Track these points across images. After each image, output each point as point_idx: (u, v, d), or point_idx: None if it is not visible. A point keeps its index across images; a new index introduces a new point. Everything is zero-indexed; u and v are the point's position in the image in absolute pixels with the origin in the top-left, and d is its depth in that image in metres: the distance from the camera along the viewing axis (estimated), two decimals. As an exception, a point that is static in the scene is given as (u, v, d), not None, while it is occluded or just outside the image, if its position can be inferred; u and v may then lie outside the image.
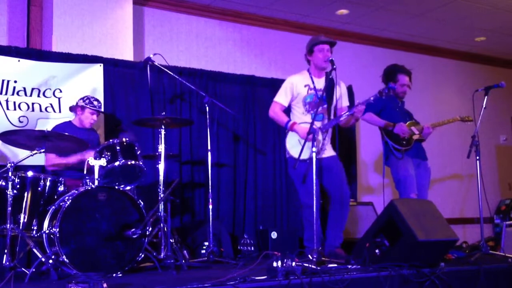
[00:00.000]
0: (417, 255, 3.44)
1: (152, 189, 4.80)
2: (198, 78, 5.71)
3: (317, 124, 4.24)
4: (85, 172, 3.94)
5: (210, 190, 4.71)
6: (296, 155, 4.09)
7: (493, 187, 8.18)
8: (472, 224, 7.70)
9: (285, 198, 6.00)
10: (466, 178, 7.87)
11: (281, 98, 4.45)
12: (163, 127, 4.33)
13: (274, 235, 5.32)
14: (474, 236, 7.02)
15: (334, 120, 4.25)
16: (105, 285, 2.70)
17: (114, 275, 3.57)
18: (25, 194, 3.79)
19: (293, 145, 4.27)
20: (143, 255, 3.79)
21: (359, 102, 4.10)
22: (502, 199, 8.26)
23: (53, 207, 3.70)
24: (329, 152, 4.38)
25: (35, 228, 3.77)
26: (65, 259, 3.44)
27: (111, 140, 4.09)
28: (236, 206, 5.73)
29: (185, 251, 4.47)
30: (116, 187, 3.86)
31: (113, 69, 5.26)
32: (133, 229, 3.68)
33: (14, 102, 4.75)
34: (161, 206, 4.17)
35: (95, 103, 4.54)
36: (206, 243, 4.68)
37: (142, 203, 3.87)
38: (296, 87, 4.41)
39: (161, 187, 4.27)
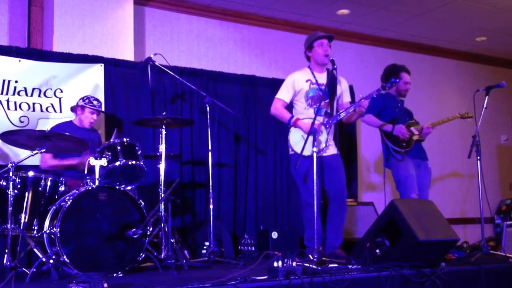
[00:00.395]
0: (418, 255, 3.44)
1: (153, 189, 4.80)
2: (198, 78, 5.71)
3: (320, 119, 4.23)
4: (85, 172, 3.94)
5: (211, 190, 4.72)
6: (300, 151, 4.09)
7: (494, 187, 8.17)
8: (473, 224, 7.70)
9: (286, 198, 6.00)
10: (467, 178, 7.87)
11: (283, 94, 4.45)
12: (164, 127, 4.33)
13: (274, 235, 5.32)
14: (475, 236, 7.02)
15: (337, 115, 4.24)
16: (105, 285, 2.71)
17: (114, 275, 3.57)
18: (26, 194, 3.79)
19: (297, 142, 4.25)
20: (143, 255, 3.79)
21: (362, 96, 4.09)
22: (502, 199, 8.26)
23: (54, 207, 3.70)
24: (332, 150, 4.37)
25: (35, 228, 3.77)
26: (66, 259, 3.44)
27: (111, 140, 4.09)
28: (236, 206, 5.73)
29: (185, 251, 4.47)
30: (117, 187, 3.86)
31: (114, 69, 5.27)
32: (134, 229, 3.68)
33: (15, 102, 4.75)
34: (162, 206, 4.17)
35: (95, 102, 4.54)
36: (207, 243, 4.68)
37: (142, 203, 3.87)
38: (298, 83, 4.40)
39: (162, 187, 4.27)
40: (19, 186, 3.73)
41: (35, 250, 3.60)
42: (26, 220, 3.76)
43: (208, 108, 4.82)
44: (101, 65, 5.13)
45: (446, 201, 7.45)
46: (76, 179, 4.23)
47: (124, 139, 4.10)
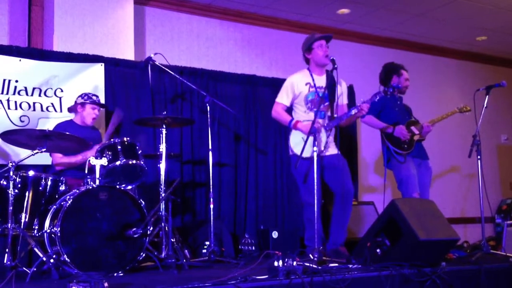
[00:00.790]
0: (418, 254, 3.44)
1: (153, 188, 4.80)
2: (199, 77, 5.71)
3: (320, 121, 4.24)
4: (86, 171, 3.94)
5: (211, 190, 4.71)
6: (299, 153, 4.09)
7: (494, 186, 8.17)
8: (473, 223, 7.69)
9: (286, 197, 6.00)
10: (467, 177, 7.86)
11: (283, 98, 4.47)
12: (164, 126, 4.33)
13: (275, 234, 5.32)
14: (475, 236, 7.02)
15: (337, 119, 4.26)
16: (106, 284, 2.70)
17: (115, 274, 3.57)
18: (26, 194, 3.79)
19: (297, 143, 4.27)
20: (144, 255, 3.79)
21: (363, 100, 4.11)
22: (503, 198, 8.26)
23: (54, 206, 3.70)
24: (332, 150, 4.38)
25: (36, 227, 3.77)
26: (66, 259, 3.44)
27: (112, 140, 4.09)
28: (237, 206, 5.73)
29: (186, 251, 4.48)
30: (117, 187, 3.86)
31: (114, 68, 5.27)
32: (134, 229, 3.68)
33: (15, 102, 4.76)
34: (162, 206, 4.17)
35: (94, 98, 4.53)
36: (207, 243, 4.69)
37: (143, 202, 3.87)
38: (297, 86, 4.42)
39: (162, 186, 4.27)
40: (19, 185, 3.73)
41: (36, 249, 3.60)
42: (26, 219, 3.76)
43: (208, 107, 4.82)
44: (101, 65, 5.13)
45: (447, 201, 7.44)
46: (77, 178, 4.22)
47: (125, 139, 4.10)
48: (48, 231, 3.63)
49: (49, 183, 3.87)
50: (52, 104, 4.90)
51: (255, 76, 6.14)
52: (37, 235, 3.75)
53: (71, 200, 3.56)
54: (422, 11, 6.84)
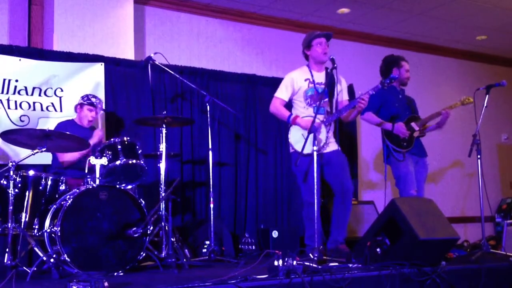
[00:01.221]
0: (418, 253, 3.44)
1: (153, 188, 4.80)
2: (199, 77, 5.71)
3: (320, 117, 4.25)
4: (86, 171, 3.94)
5: (211, 189, 4.72)
6: (300, 150, 4.10)
7: (494, 185, 8.16)
8: (473, 223, 7.69)
9: (286, 197, 6.00)
10: (467, 176, 7.86)
11: (282, 93, 4.48)
12: (164, 126, 4.33)
13: (275, 234, 5.32)
14: (475, 235, 7.02)
15: (337, 113, 4.28)
16: (106, 284, 2.70)
17: (115, 274, 3.58)
18: (27, 193, 3.79)
19: (297, 140, 4.28)
20: (144, 254, 3.80)
21: (361, 93, 4.13)
22: (503, 198, 8.25)
23: (55, 206, 3.70)
24: (332, 146, 4.39)
25: (36, 227, 3.77)
26: (67, 258, 3.45)
27: (112, 139, 4.09)
28: (237, 205, 5.74)
29: (186, 250, 4.48)
30: (118, 186, 3.86)
31: (114, 68, 5.27)
32: (135, 228, 3.68)
33: (15, 101, 4.76)
34: (162, 205, 4.17)
35: (93, 100, 4.53)
36: (207, 242, 4.69)
37: (143, 202, 3.88)
38: (296, 82, 4.44)
39: (162, 186, 4.27)
40: (19, 185, 3.73)
41: (36, 249, 3.60)
42: (26, 219, 3.76)
43: (208, 107, 4.82)
44: (101, 64, 5.13)
45: (447, 200, 7.45)
46: (77, 178, 4.23)
47: (125, 138, 4.10)
48: (48, 230, 3.63)
49: (49, 182, 3.88)
50: (52, 103, 4.90)
51: (255, 75, 6.14)
52: (37, 234, 3.76)
53: (71, 199, 3.56)
54: (422, 11, 6.83)
